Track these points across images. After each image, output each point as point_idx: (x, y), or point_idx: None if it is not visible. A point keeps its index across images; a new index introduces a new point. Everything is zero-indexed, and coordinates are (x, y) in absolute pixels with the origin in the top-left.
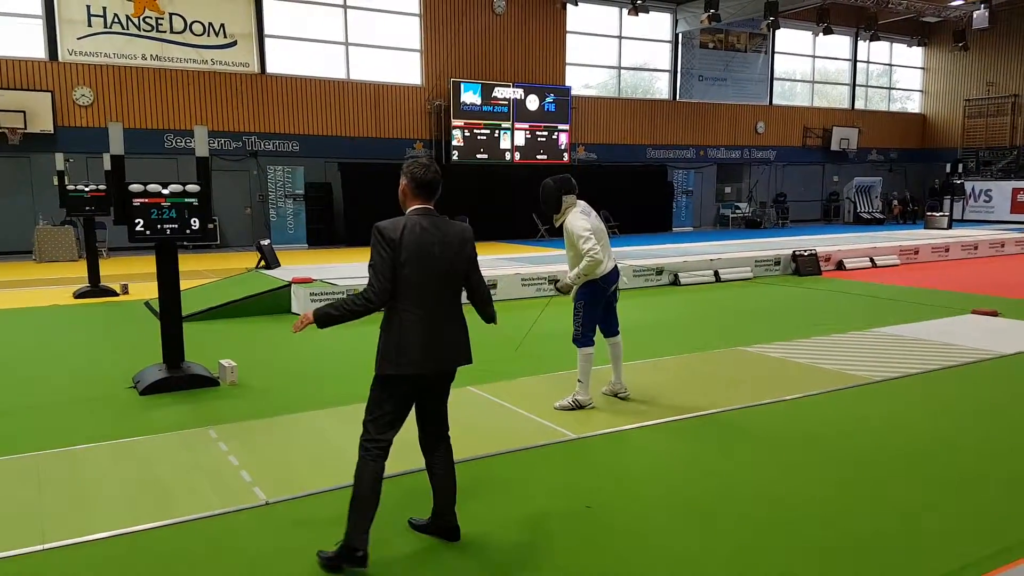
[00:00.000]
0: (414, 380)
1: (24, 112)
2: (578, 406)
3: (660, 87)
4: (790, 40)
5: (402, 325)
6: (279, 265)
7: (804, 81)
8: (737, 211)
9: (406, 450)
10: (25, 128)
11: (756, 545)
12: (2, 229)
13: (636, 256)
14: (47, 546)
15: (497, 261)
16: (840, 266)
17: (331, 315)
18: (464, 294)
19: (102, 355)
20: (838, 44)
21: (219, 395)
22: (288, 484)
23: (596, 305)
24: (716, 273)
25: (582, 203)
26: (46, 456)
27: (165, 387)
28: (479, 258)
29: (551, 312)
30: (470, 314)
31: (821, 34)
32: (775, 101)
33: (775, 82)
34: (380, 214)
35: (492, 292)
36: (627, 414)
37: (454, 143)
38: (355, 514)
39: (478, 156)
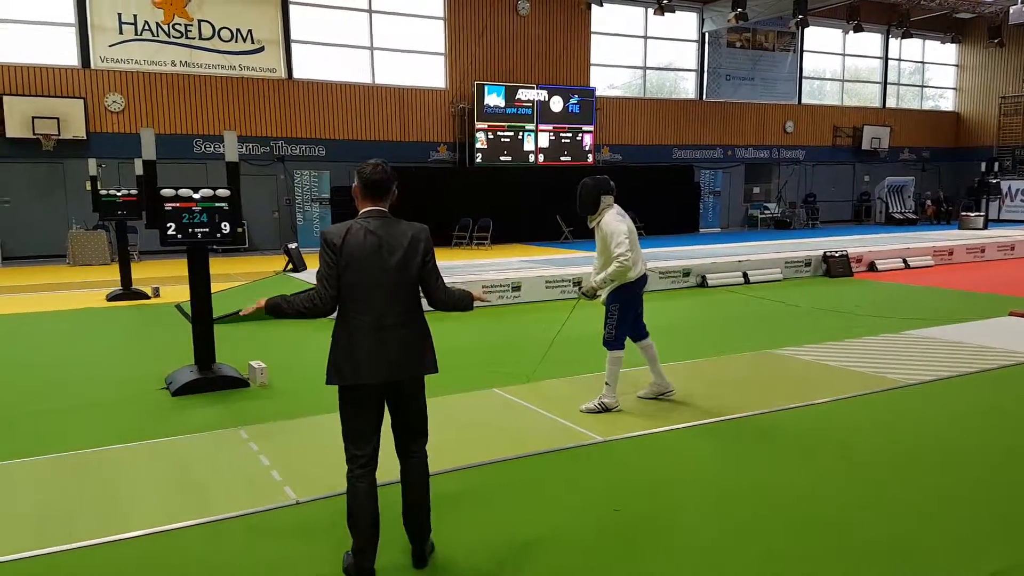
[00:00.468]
0: (366, 390)
1: (58, 119)
2: (604, 409)
3: (686, 87)
4: (819, 38)
5: (348, 333)
6: (306, 268)
7: (834, 80)
8: (766, 212)
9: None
10: (59, 134)
11: (788, 549)
12: (37, 233)
13: (662, 258)
14: (85, 543)
15: (521, 263)
16: (872, 267)
17: (281, 307)
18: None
19: (135, 357)
20: (869, 42)
21: (249, 396)
22: (318, 484)
23: (630, 308)
24: (745, 274)
25: (618, 207)
26: (83, 455)
27: (197, 388)
28: (504, 260)
29: (573, 315)
30: (503, 315)
31: (851, 32)
32: (804, 100)
33: (804, 81)
34: (405, 216)
35: (516, 294)
36: (654, 417)
37: (478, 145)
38: (354, 532)
39: (502, 158)
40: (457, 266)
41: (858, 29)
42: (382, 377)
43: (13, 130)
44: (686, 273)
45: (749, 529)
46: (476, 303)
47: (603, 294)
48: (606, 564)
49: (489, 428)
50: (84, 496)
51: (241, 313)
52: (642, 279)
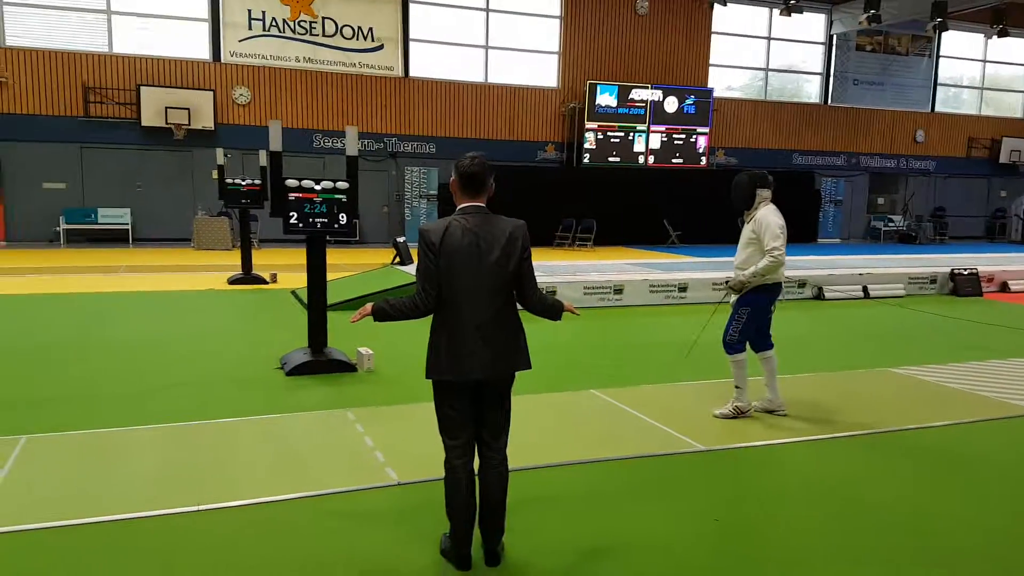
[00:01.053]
0: (462, 385)
1: (188, 109)
2: (739, 413)
3: (810, 90)
4: (958, 43)
5: (446, 330)
6: (412, 261)
7: (972, 87)
8: (890, 224)
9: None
10: (189, 124)
11: (898, 571)
12: (166, 218)
13: None
14: (200, 507)
15: (625, 266)
16: (1004, 287)
17: (386, 312)
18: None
19: (253, 337)
20: (1014, 47)
21: (356, 380)
22: (418, 467)
23: (761, 314)
24: (865, 289)
25: (773, 205)
26: (203, 426)
27: (308, 370)
28: (607, 262)
29: (677, 321)
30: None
31: (995, 36)
32: (938, 108)
33: (938, 87)
34: (509, 215)
35: (617, 297)
36: (761, 429)
37: (587, 145)
38: (452, 519)
39: (610, 159)
40: (558, 266)
41: (1003, 34)
42: (479, 374)
43: (148, 119)
44: (802, 284)
45: (853, 546)
46: (565, 312)
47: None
48: (697, 573)
49: (584, 428)
50: (202, 464)
51: (351, 321)
52: (778, 287)
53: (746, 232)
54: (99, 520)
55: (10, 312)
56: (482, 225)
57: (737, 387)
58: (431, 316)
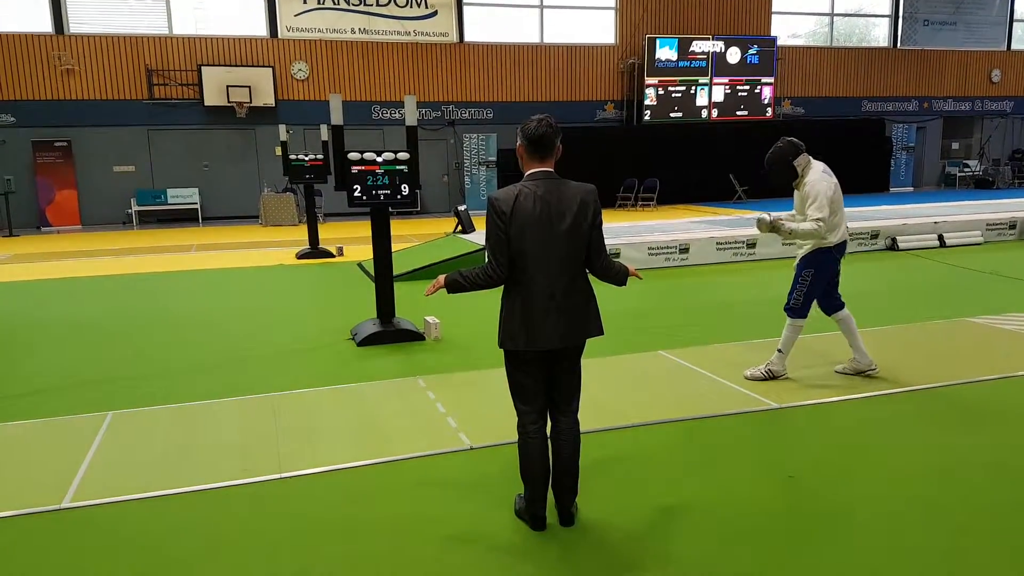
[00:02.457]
0: (534, 353)
1: (249, 87)
2: (771, 376)
3: (878, 34)
4: None
5: (520, 300)
6: (474, 229)
7: None
8: (966, 169)
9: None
10: (250, 102)
11: (978, 528)
12: (233, 196)
13: (848, 219)
14: (283, 475)
15: (690, 224)
16: None
17: (459, 283)
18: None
19: (324, 310)
20: None
21: (425, 348)
22: (490, 432)
23: (825, 276)
24: (940, 237)
25: (820, 163)
26: (280, 397)
27: (379, 340)
28: (671, 221)
29: (745, 279)
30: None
31: None
32: (1014, 46)
33: (1015, 24)
34: (569, 178)
35: (683, 257)
36: (835, 387)
37: (647, 102)
38: (526, 482)
39: (672, 115)
40: (622, 228)
41: None
42: (554, 344)
43: (210, 98)
44: (874, 235)
45: (936, 505)
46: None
47: (799, 250)
48: (773, 530)
49: (654, 389)
50: (282, 433)
51: (426, 294)
52: (842, 245)
53: (796, 199)
54: (187, 491)
55: (90, 294)
56: (553, 191)
57: (779, 350)
58: (502, 287)
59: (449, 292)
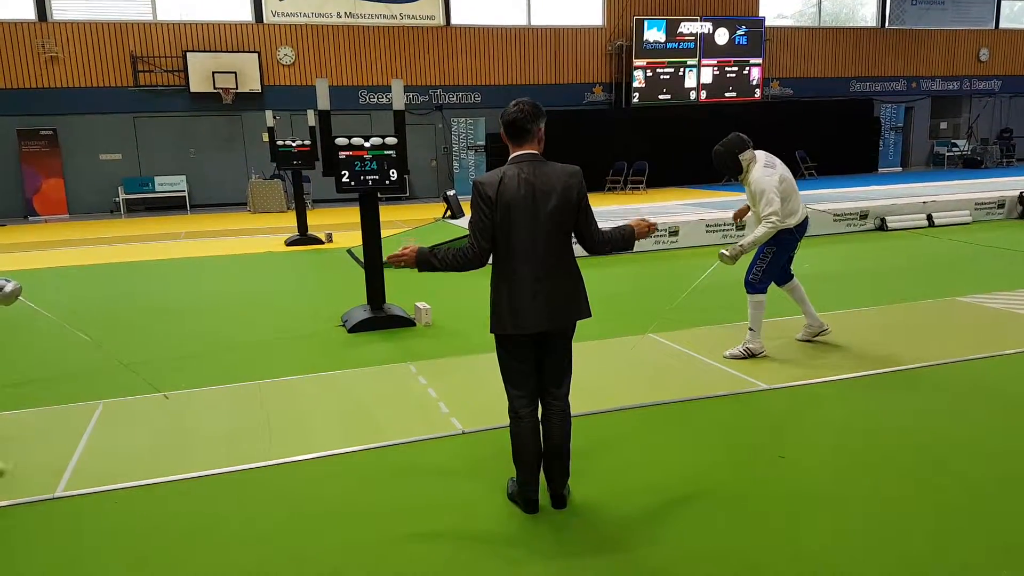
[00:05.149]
0: (523, 337)
1: (235, 73)
2: (750, 354)
3: (865, 14)
4: None
5: (507, 283)
6: (463, 215)
7: None
8: (954, 149)
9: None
10: (236, 88)
11: (969, 506)
12: (220, 184)
13: (837, 199)
14: (275, 461)
15: (680, 207)
16: None
17: (431, 263)
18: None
19: (314, 297)
20: None
21: (416, 334)
22: (482, 416)
23: (784, 254)
24: (929, 217)
25: (762, 153)
26: (270, 384)
27: (369, 326)
28: (661, 204)
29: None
30: (633, 263)
31: None
32: (1002, 24)
33: (1003, 3)
34: (561, 162)
35: (673, 239)
36: (824, 366)
37: (635, 84)
38: (518, 466)
39: (660, 97)
40: (611, 211)
41: None
42: (542, 326)
43: (196, 85)
44: (863, 216)
45: (929, 484)
46: (641, 238)
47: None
48: (765, 510)
49: (645, 372)
50: (274, 420)
51: (387, 259)
52: (802, 225)
53: (747, 195)
54: (179, 478)
55: (78, 283)
56: (537, 174)
57: (751, 328)
58: (491, 271)
59: (420, 271)
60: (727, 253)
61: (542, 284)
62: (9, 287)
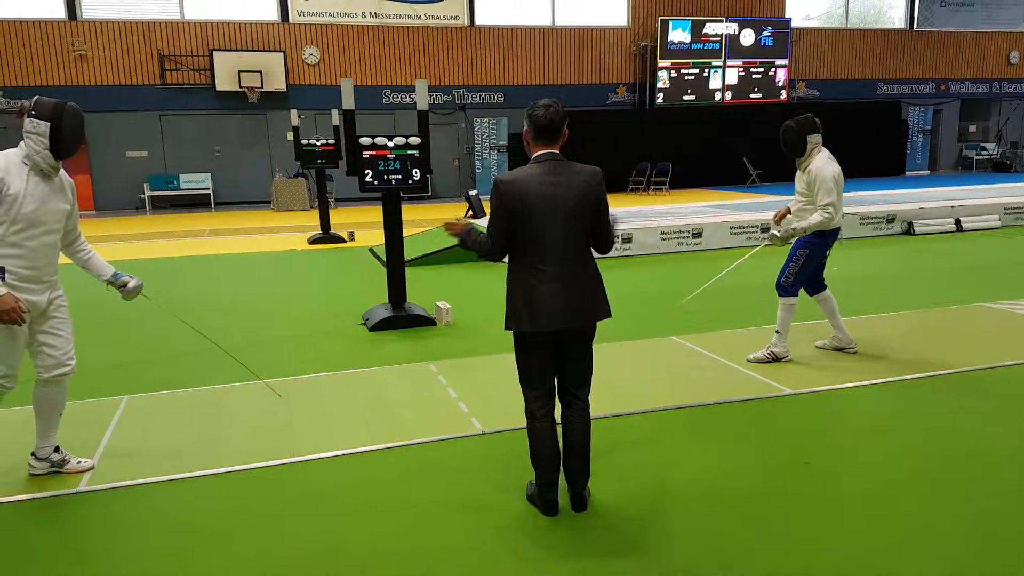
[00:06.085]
0: (542, 336)
1: (260, 72)
2: (774, 358)
3: (894, 16)
4: None
5: (525, 281)
6: (485, 214)
7: None
8: (983, 152)
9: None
10: (262, 87)
11: (1002, 513)
12: (245, 181)
13: (864, 202)
14: (298, 458)
15: (704, 208)
16: None
17: (464, 241)
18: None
19: (336, 295)
20: None
21: (436, 333)
22: (502, 417)
23: (818, 257)
24: (957, 221)
25: (826, 149)
26: (293, 381)
27: (390, 325)
28: (684, 206)
29: (759, 263)
30: (644, 265)
31: None
32: None
33: None
34: (580, 162)
35: (696, 241)
36: (849, 371)
37: (659, 85)
38: (537, 467)
39: (684, 98)
40: (634, 212)
41: None
42: (560, 325)
43: (222, 83)
44: (890, 219)
45: (961, 491)
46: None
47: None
48: (789, 516)
49: (667, 375)
50: (297, 417)
51: (444, 225)
52: (836, 230)
53: (801, 181)
54: (202, 474)
55: None
56: (559, 174)
57: (777, 331)
58: (508, 268)
59: (458, 245)
60: (778, 234)
61: (561, 283)
62: (132, 283)
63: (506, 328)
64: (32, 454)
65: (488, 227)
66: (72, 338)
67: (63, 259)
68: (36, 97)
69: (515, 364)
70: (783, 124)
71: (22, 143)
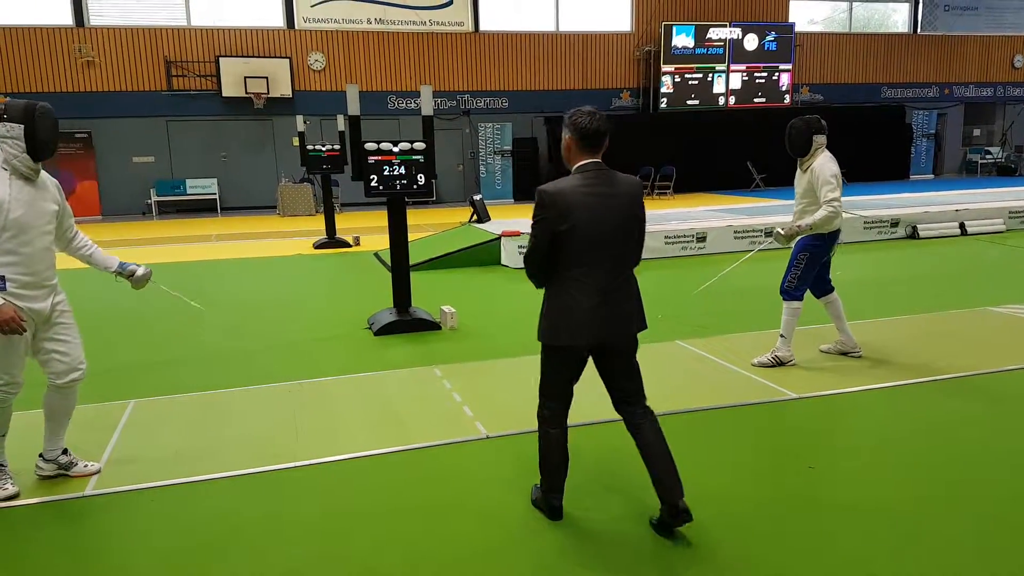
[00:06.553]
0: (579, 350)
1: (266, 78)
2: (779, 363)
3: (897, 20)
4: None
5: (568, 294)
6: (490, 219)
7: None
8: (987, 156)
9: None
10: (268, 93)
11: (1005, 518)
12: (250, 187)
13: (868, 206)
14: (303, 463)
15: (707, 213)
16: None
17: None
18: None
19: (341, 299)
20: None
21: (441, 338)
22: (506, 421)
23: (819, 259)
24: (962, 225)
25: (828, 151)
26: (299, 385)
27: (395, 329)
28: (688, 210)
29: (763, 267)
30: (663, 268)
31: None
32: None
33: None
34: None
35: (700, 246)
36: (854, 375)
37: (663, 90)
38: (545, 473)
39: (688, 103)
40: None
41: None
42: (598, 339)
43: (228, 89)
44: (894, 223)
45: (965, 496)
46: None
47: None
48: (793, 521)
49: (671, 379)
50: (303, 421)
51: None
52: (834, 233)
53: (802, 181)
54: (208, 478)
55: (109, 284)
56: (606, 184)
57: (782, 335)
58: (550, 279)
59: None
60: (782, 232)
61: (604, 297)
62: (140, 271)
63: (541, 340)
64: (40, 455)
65: (530, 241)
66: (80, 342)
67: (61, 264)
68: (6, 100)
69: (520, 368)
70: (791, 121)
71: None
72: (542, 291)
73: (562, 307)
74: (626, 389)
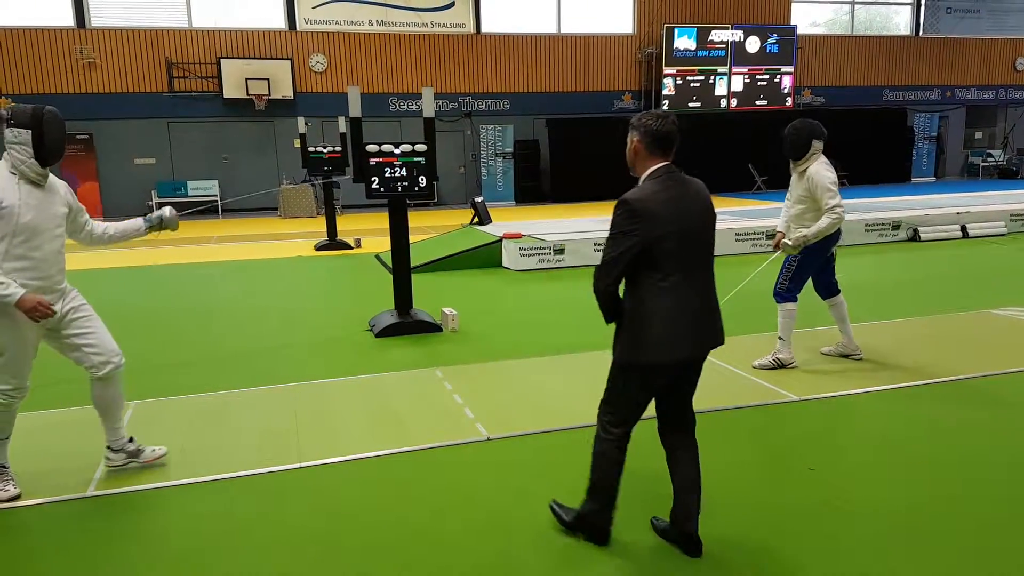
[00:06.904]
0: (668, 368)
1: (268, 80)
2: (779, 365)
3: (899, 22)
4: None
5: (658, 307)
6: (491, 221)
7: None
8: (989, 159)
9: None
10: (269, 94)
11: (1003, 522)
12: (251, 188)
13: (869, 209)
14: (304, 464)
15: None
16: None
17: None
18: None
19: (342, 301)
20: None
21: (442, 340)
22: (507, 423)
23: (814, 263)
24: (963, 228)
25: (824, 156)
26: (300, 387)
27: (396, 331)
28: None
29: (765, 269)
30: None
31: None
32: None
33: None
34: (585, 170)
35: None
36: (854, 377)
37: (665, 92)
38: (598, 493)
39: (690, 105)
40: None
41: None
42: (694, 353)
43: (230, 91)
44: (896, 226)
45: (964, 499)
46: None
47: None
48: (794, 523)
49: None
50: (303, 423)
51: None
52: (837, 234)
53: (797, 187)
54: (208, 479)
55: (114, 284)
56: (683, 185)
57: (780, 338)
58: (629, 293)
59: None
60: (790, 243)
61: (697, 306)
62: (167, 212)
63: (624, 358)
64: (107, 447)
65: (609, 251)
66: (107, 332)
67: (68, 265)
68: (12, 105)
69: (521, 370)
70: (790, 123)
71: (6, 154)
72: (542, 291)
73: (653, 321)
74: (681, 408)
